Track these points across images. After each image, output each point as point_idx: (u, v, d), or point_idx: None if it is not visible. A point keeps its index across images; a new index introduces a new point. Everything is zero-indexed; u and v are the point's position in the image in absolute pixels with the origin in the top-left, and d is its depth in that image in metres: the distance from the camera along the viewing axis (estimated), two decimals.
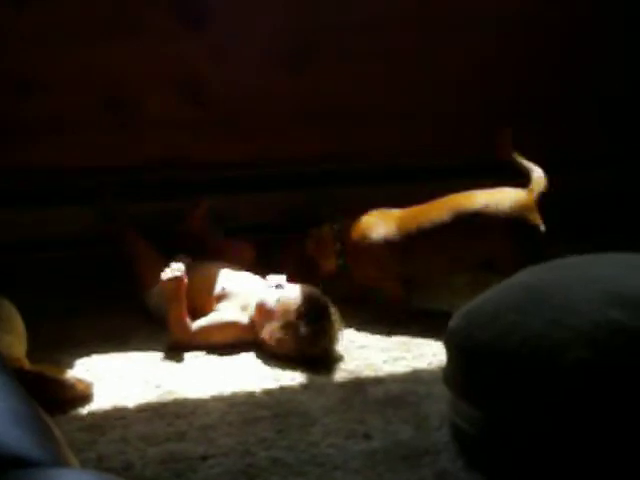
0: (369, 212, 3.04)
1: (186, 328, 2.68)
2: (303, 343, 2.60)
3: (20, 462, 1.03)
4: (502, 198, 2.84)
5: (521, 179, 2.87)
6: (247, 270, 2.94)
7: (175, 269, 2.69)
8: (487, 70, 3.58)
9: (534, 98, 3.63)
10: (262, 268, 2.96)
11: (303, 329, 2.58)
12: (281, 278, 2.75)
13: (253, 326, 2.70)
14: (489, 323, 1.98)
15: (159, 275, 2.79)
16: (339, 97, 3.42)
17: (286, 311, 2.61)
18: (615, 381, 1.79)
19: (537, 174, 2.88)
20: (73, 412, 2.30)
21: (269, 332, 2.63)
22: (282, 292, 2.67)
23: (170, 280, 2.68)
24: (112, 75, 3.15)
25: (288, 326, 2.60)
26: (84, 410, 2.32)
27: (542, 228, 2.81)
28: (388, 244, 2.94)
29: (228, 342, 2.70)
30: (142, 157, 3.20)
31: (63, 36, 3.06)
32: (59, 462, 1.07)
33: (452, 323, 2.11)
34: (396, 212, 3.01)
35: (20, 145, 3.08)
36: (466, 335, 2.02)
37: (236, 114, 3.30)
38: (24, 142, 3.08)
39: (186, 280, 2.68)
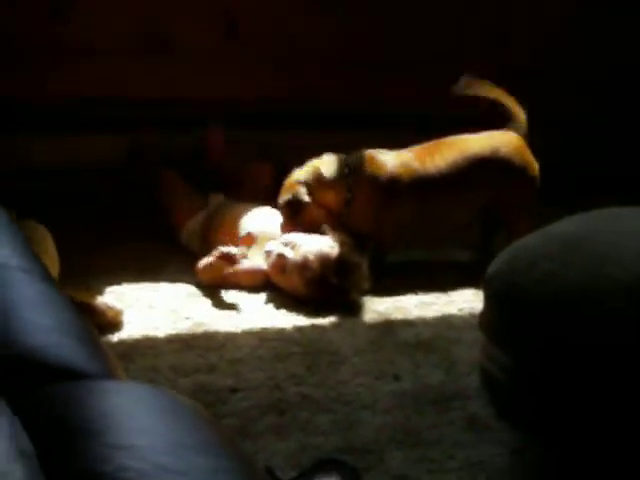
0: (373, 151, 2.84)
1: (214, 281, 2.66)
2: (331, 295, 2.59)
3: (74, 373, 1.02)
4: (503, 141, 2.84)
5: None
6: (266, 193, 2.95)
7: (229, 252, 2.61)
8: None
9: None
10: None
11: (331, 282, 2.56)
12: (295, 236, 2.71)
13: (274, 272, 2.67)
14: (528, 270, 1.96)
15: (192, 213, 2.88)
16: (370, 41, 3.37)
17: (309, 265, 2.58)
18: None
19: (519, 113, 2.87)
20: (103, 339, 2.30)
21: (293, 284, 2.62)
22: (302, 244, 2.64)
23: (223, 257, 2.60)
24: (148, 6, 3.11)
25: (314, 280, 2.58)
26: (114, 337, 2.33)
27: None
28: (408, 182, 2.77)
29: (254, 286, 2.68)
30: (174, 90, 3.16)
31: None
32: (111, 374, 1.06)
33: (491, 268, 2.09)
34: (403, 152, 2.84)
35: (53, 72, 3.05)
36: (505, 281, 2.00)
37: (269, 51, 3.27)
38: (56, 68, 3.06)
39: (237, 263, 2.64)
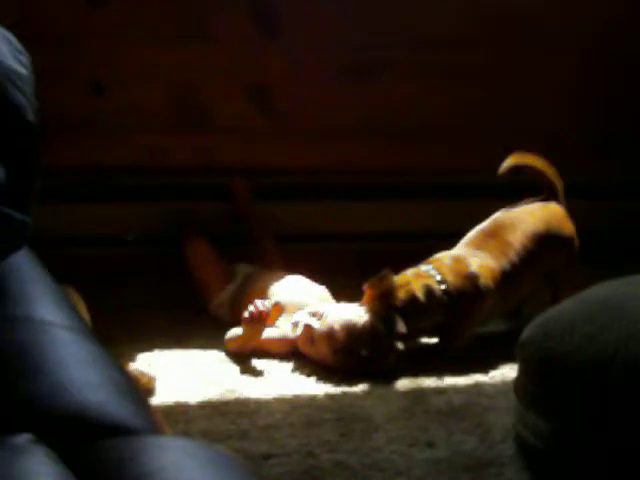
0: (436, 258, 2.76)
1: (243, 350, 2.66)
2: (360, 365, 2.57)
3: (124, 430, 1.02)
4: (551, 213, 2.88)
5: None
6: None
7: (259, 307, 2.60)
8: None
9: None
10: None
11: (359, 352, 2.55)
12: (322, 305, 2.72)
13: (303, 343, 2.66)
14: (565, 335, 1.95)
15: (222, 284, 2.89)
16: (403, 112, 3.41)
17: (335, 336, 2.56)
18: None
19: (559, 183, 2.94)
20: None
21: (322, 355, 2.61)
22: (329, 314, 2.63)
23: (252, 321, 2.60)
24: (186, 77, 3.17)
25: (342, 350, 2.56)
26: None
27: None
28: (494, 287, 2.70)
29: (283, 354, 2.68)
30: (210, 160, 3.21)
31: (139, 36, 3.09)
32: (158, 431, 1.06)
33: (526, 333, 2.09)
34: (476, 253, 2.76)
35: (92, 143, 3.11)
36: (541, 346, 2.00)
37: (303, 123, 3.31)
38: (96, 140, 3.11)
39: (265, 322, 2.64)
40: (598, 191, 3.27)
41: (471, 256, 2.72)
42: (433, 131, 3.46)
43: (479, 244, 2.77)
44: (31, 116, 1.52)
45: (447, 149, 3.46)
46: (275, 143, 3.30)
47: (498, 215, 2.86)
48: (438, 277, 2.65)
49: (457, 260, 2.71)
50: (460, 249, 2.78)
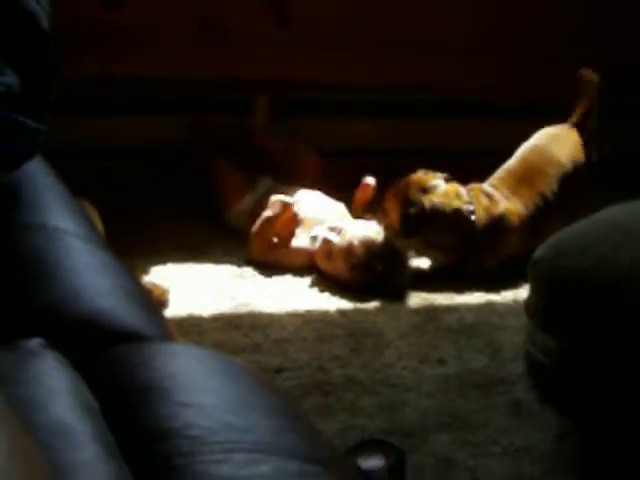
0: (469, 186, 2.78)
1: (266, 247, 2.68)
2: (375, 281, 2.58)
3: (135, 336, 1.03)
4: (572, 142, 2.87)
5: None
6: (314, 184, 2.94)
7: (289, 199, 2.70)
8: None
9: None
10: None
11: (376, 268, 2.56)
12: (341, 221, 2.73)
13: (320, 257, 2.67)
14: (577, 255, 1.96)
15: (240, 194, 2.86)
16: (418, 25, 3.36)
17: (354, 251, 2.57)
18: None
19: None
20: None
21: (338, 270, 2.62)
22: (348, 229, 2.64)
23: (281, 203, 2.68)
24: None
25: (359, 266, 2.57)
26: None
27: None
28: (519, 226, 2.73)
29: (298, 266, 2.69)
30: (225, 73, 3.18)
31: None
32: (170, 338, 1.07)
33: (539, 252, 2.09)
34: (498, 183, 2.81)
35: (108, 54, 3.07)
36: (553, 265, 2.01)
37: (322, 37, 3.26)
38: (112, 51, 3.07)
39: (292, 211, 2.72)
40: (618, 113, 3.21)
41: (503, 199, 2.74)
42: (451, 45, 3.40)
43: (513, 189, 2.77)
44: (45, 24, 1.50)
45: (463, 64, 3.40)
46: (294, 57, 3.25)
47: (527, 154, 2.86)
48: (471, 207, 2.67)
49: (491, 199, 2.73)
50: (495, 190, 2.77)
